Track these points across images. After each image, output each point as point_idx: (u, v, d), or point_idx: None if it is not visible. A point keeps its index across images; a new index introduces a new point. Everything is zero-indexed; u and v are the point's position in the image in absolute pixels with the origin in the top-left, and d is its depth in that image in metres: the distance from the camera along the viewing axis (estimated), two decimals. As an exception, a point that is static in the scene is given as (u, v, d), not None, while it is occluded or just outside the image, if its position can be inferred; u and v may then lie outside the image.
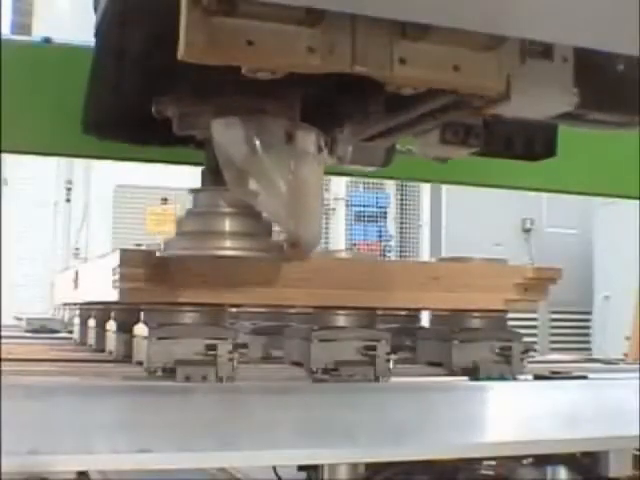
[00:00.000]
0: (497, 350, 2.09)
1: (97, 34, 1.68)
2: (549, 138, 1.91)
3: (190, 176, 2.17)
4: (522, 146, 1.89)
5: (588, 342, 7.52)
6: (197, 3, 1.25)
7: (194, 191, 1.78)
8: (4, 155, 5.70)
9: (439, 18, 1.22)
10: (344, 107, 1.62)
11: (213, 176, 1.73)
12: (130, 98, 1.62)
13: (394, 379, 1.93)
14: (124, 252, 1.82)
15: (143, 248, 2.02)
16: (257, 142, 1.55)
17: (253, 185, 1.56)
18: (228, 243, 1.67)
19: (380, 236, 8.22)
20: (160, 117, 1.75)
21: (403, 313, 2.57)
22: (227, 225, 1.69)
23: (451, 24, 1.25)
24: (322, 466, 2.26)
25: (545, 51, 1.46)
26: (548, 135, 1.90)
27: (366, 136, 1.90)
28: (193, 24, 1.26)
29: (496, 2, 1.17)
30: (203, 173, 1.82)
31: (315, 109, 1.67)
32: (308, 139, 1.60)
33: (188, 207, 1.78)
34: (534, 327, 7.00)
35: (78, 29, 1.96)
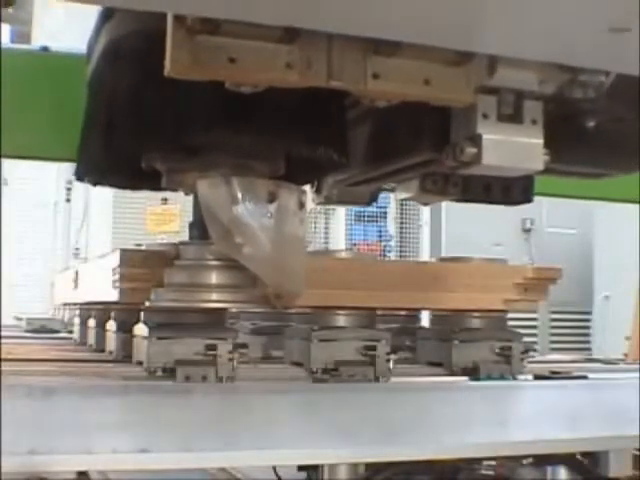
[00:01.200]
0: (497, 350, 2.09)
1: (90, 84, 1.75)
2: (526, 185, 1.99)
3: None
4: (500, 193, 1.98)
5: (588, 342, 7.52)
6: (182, 23, 1.31)
7: (182, 244, 1.84)
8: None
9: (409, 35, 1.31)
10: (327, 160, 1.67)
11: (200, 229, 1.78)
12: (121, 150, 1.67)
13: (394, 379, 1.93)
14: (124, 252, 1.82)
15: (143, 248, 2.02)
16: (241, 201, 1.61)
17: (237, 240, 1.62)
18: (214, 296, 1.74)
19: (380, 236, 8.22)
20: (150, 170, 1.81)
21: (403, 313, 2.57)
22: (213, 277, 1.75)
23: (421, 41, 1.33)
24: (322, 466, 2.27)
25: (515, 114, 1.56)
26: (525, 182, 1.97)
27: (350, 182, 2.02)
28: (178, 42, 1.33)
29: (464, 20, 1.22)
30: (190, 225, 1.89)
31: (299, 161, 1.73)
32: (290, 197, 1.66)
33: (177, 258, 1.80)
34: (534, 327, 6.99)
35: (74, 38, 1.99)
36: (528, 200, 2.01)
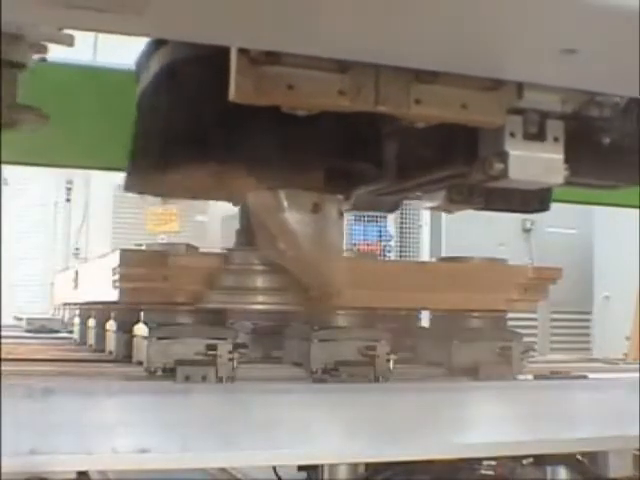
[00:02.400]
0: (497, 350, 2.09)
1: (142, 103, 1.89)
2: (544, 195, 2.14)
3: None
4: (519, 202, 2.12)
5: (588, 342, 7.51)
6: (245, 54, 1.49)
7: (230, 250, 1.96)
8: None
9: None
10: (363, 172, 1.87)
11: (246, 236, 1.96)
12: (175, 163, 1.79)
13: (394, 379, 1.93)
14: (124, 252, 1.83)
15: (143, 248, 2.02)
16: (287, 211, 1.77)
17: (282, 247, 1.78)
18: (260, 298, 1.89)
19: (380, 236, 8.21)
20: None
21: (403, 313, 2.57)
22: (260, 281, 1.88)
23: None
24: (322, 466, 2.27)
25: (539, 133, 1.73)
26: (543, 193, 2.12)
27: (380, 192, 2.19)
28: (242, 71, 1.50)
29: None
30: (237, 232, 2.06)
31: (336, 174, 1.88)
32: (331, 207, 1.83)
33: (226, 263, 1.91)
34: (534, 327, 6.99)
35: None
36: (546, 209, 2.16)
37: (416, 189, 2.13)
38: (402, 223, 8.03)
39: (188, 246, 2.00)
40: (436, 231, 7.46)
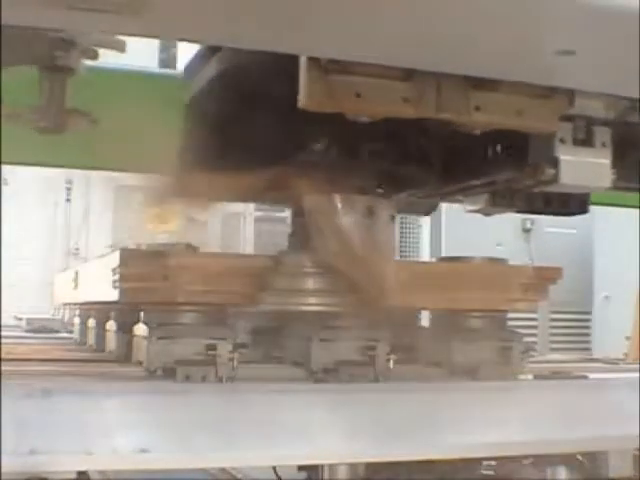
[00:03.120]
0: (497, 350, 2.08)
1: (195, 106, 1.97)
2: (583, 198, 2.20)
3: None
4: (559, 205, 2.18)
5: (588, 342, 7.51)
6: (316, 62, 1.56)
7: (283, 252, 2.01)
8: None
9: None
10: (412, 177, 1.97)
11: (299, 239, 2.03)
12: (233, 166, 1.85)
13: (394, 379, 1.93)
14: (124, 252, 1.83)
15: (143, 248, 2.02)
16: (342, 215, 1.84)
17: (338, 249, 1.85)
18: (312, 300, 1.93)
19: (380, 236, 8.21)
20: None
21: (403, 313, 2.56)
22: (312, 283, 1.92)
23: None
24: (322, 466, 2.27)
25: (587, 139, 1.80)
26: (582, 195, 2.18)
27: (424, 196, 2.28)
28: (313, 79, 1.57)
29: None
30: (290, 237, 2.11)
31: (387, 178, 1.99)
32: (384, 211, 1.90)
33: (278, 265, 1.94)
34: (534, 327, 6.99)
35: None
36: (585, 211, 2.22)
37: (460, 192, 2.19)
38: (402, 223, 8.03)
39: (188, 246, 2.00)
40: (436, 231, 7.46)
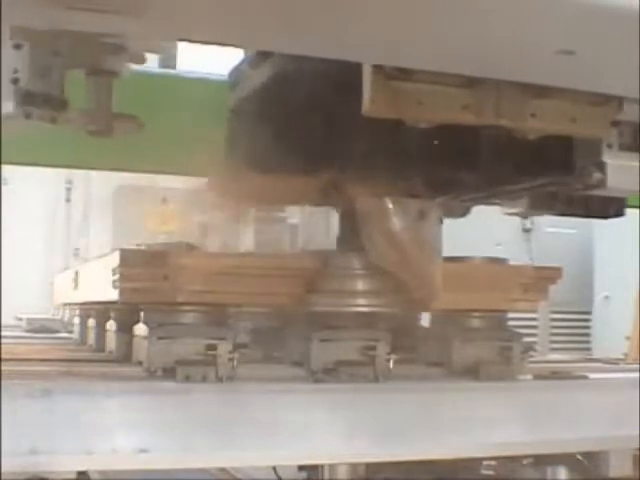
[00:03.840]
0: (497, 350, 2.08)
1: (241, 110, 2.03)
2: (620, 202, 2.24)
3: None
4: (598, 208, 2.22)
5: (588, 342, 7.51)
6: (380, 70, 1.60)
7: (331, 254, 2.03)
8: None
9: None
10: (460, 181, 2.02)
11: (348, 241, 2.05)
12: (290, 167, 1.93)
13: (394, 379, 1.93)
14: (124, 252, 1.83)
15: (143, 248, 2.02)
16: (393, 217, 1.87)
17: (388, 251, 1.88)
18: (362, 300, 1.94)
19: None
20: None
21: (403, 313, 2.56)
22: (362, 284, 1.94)
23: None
24: (322, 466, 2.27)
25: (632, 143, 1.86)
26: (620, 199, 2.22)
27: (466, 199, 2.32)
28: (376, 86, 1.61)
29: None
30: (338, 239, 2.14)
31: (435, 181, 2.02)
32: (434, 214, 1.94)
33: (327, 266, 1.97)
34: (534, 327, 6.98)
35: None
36: (621, 215, 2.28)
37: (503, 196, 2.24)
38: (402, 223, 8.02)
39: (188, 246, 2.00)
40: (436, 231, 7.44)
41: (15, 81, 1.66)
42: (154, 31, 1.46)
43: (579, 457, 2.29)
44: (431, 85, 1.65)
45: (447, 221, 2.06)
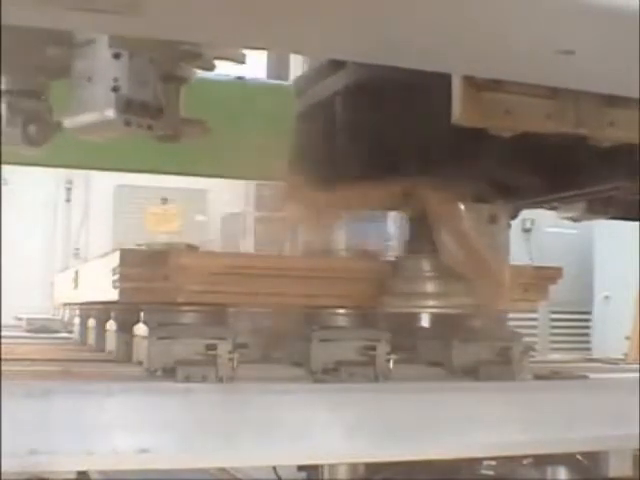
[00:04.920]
0: (497, 350, 2.08)
1: (309, 117, 2.08)
2: None
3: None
4: None
5: (588, 342, 7.51)
6: (471, 81, 1.66)
7: (402, 257, 2.11)
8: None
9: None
10: (526, 185, 2.07)
11: (418, 244, 2.09)
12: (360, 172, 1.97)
13: (394, 379, 1.93)
14: (124, 252, 1.82)
15: (143, 248, 2.02)
16: (466, 221, 1.95)
17: (460, 253, 1.94)
18: (432, 302, 2.02)
19: (380, 236, 8.20)
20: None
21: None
22: (432, 286, 2.00)
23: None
24: (322, 466, 2.27)
25: None
26: None
27: (525, 204, 2.43)
28: (467, 96, 1.66)
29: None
30: (408, 242, 2.17)
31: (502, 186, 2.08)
32: (504, 218, 2.04)
33: (398, 269, 2.03)
34: (534, 327, 6.99)
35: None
36: None
37: (563, 200, 2.30)
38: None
39: (188, 246, 2.00)
40: (436, 231, 7.44)
41: (116, 89, 1.68)
42: (153, 31, 1.46)
43: (579, 457, 2.29)
44: (518, 95, 1.71)
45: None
